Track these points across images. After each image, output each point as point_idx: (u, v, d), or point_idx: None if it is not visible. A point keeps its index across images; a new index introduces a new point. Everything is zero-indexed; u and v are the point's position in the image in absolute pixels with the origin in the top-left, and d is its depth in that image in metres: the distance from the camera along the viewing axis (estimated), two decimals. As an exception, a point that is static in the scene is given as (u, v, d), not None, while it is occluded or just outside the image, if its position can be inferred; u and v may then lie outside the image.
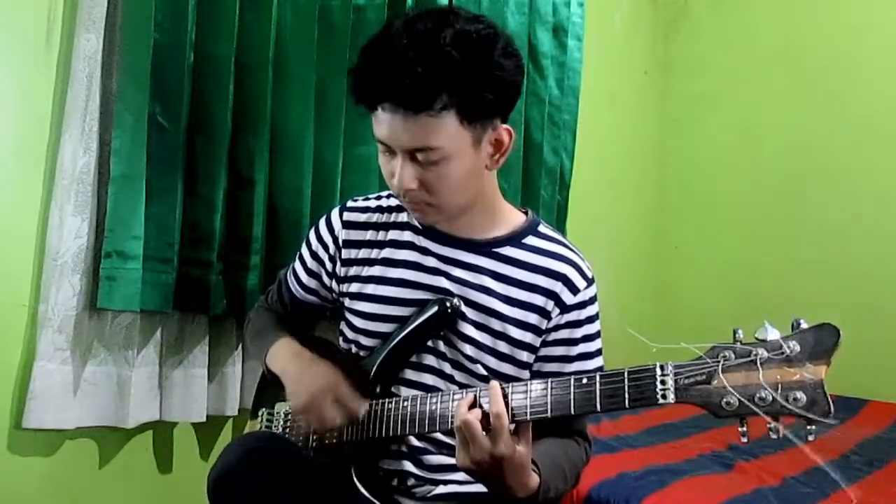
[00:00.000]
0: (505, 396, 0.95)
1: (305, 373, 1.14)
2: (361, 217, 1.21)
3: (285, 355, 1.19)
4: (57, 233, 1.43)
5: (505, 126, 1.06)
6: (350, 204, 1.24)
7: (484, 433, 0.93)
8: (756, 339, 0.83)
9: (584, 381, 0.92)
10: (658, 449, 1.88)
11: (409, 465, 1.13)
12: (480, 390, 0.99)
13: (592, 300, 1.15)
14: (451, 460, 1.13)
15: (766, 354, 0.81)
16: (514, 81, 1.02)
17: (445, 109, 0.96)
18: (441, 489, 1.13)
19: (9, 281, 1.43)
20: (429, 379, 1.13)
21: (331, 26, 1.76)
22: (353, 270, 1.20)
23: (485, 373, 1.11)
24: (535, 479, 0.98)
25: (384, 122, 1.00)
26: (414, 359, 1.14)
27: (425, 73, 0.94)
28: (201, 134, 1.58)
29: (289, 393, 1.14)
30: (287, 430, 1.23)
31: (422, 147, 0.99)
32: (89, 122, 1.45)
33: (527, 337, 1.12)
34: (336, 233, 1.21)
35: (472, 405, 0.97)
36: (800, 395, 0.79)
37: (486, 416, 0.94)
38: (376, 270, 1.18)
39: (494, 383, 0.97)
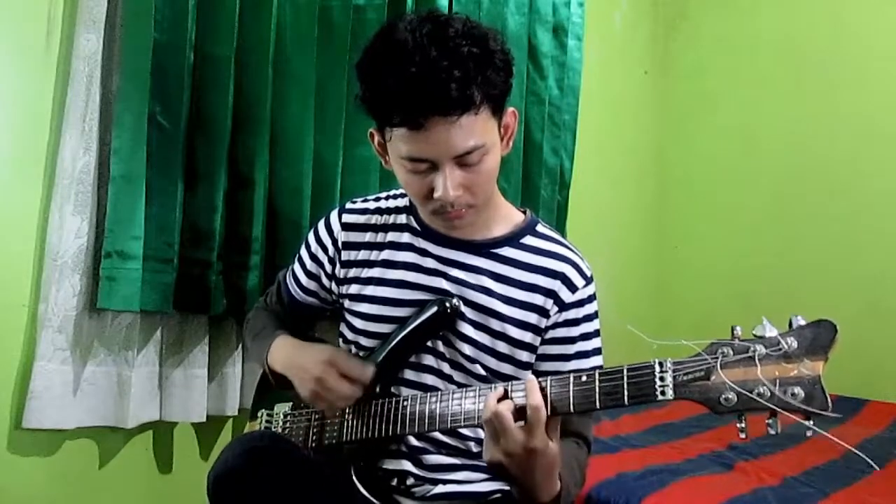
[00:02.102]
0: (542, 389, 0.93)
1: (305, 359, 1.14)
2: (361, 219, 1.21)
3: (284, 351, 1.20)
4: (57, 233, 1.43)
5: (511, 109, 1.08)
6: (349, 206, 1.24)
7: (517, 425, 0.91)
8: (754, 335, 0.83)
9: (584, 378, 0.92)
10: (658, 449, 1.88)
11: (408, 465, 1.13)
12: (513, 384, 0.97)
13: (591, 299, 1.15)
14: (451, 460, 1.13)
15: (763, 350, 0.81)
16: (513, 63, 1.04)
17: (482, 104, 0.98)
18: (440, 489, 1.13)
19: (9, 281, 1.43)
20: (428, 379, 1.13)
21: (331, 26, 1.76)
22: (352, 272, 1.20)
23: (484, 373, 1.11)
24: (557, 484, 0.97)
25: (427, 138, 0.97)
26: (413, 359, 1.14)
27: (462, 76, 0.94)
28: (201, 134, 1.58)
29: (296, 385, 1.15)
30: (286, 431, 1.23)
31: (471, 148, 0.99)
32: (89, 122, 1.46)
33: (526, 337, 1.12)
34: (335, 235, 1.21)
35: (503, 397, 0.94)
36: (797, 390, 0.79)
37: (517, 410, 0.92)
38: (376, 272, 1.18)
39: (531, 377, 0.95)
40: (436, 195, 1.01)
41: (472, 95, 0.96)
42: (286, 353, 1.19)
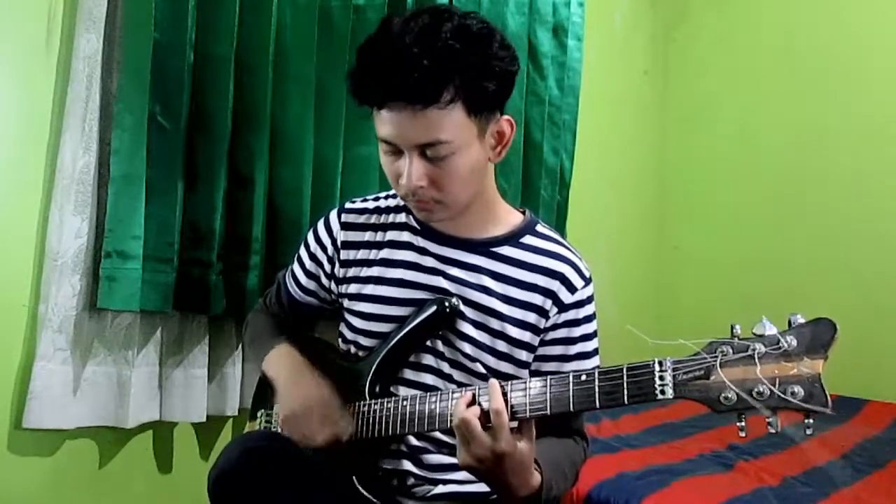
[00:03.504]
0: (504, 394, 0.95)
1: (296, 384, 1.14)
2: (360, 218, 1.21)
3: (280, 362, 1.20)
4: (57, 233, 1.43)
5: (506, 117, 1.08)
6: (348, 205, 1.24)
7: (484, 430, 0.93)
8: (754, 334, 0.83)
9: (583, 378, 0.93)
10: (658, 449, 1.88)
11: (408, 465, 1.13)
12: (480, 388, 0.99)
13: (590, 299, 1.15)
14: (451, 460, 1.13)
15: (763, 349, 0.81)
16: (512, 72, 1.04)
17: (453, 102, 0.97)
18: (441, 489, 1.13)
19: (9, 281, 1.43)
20: (428, 378, 1.13)
21: (331, 26, 1.76)
22: (351, 271, 1.20)
23: (484, 372, 1.11)
24: (537, 478, 0.98)
25: (391, 121, 0.99)
26: (413, 358, 1.14)
27: (432, 67, 0.94)
28: (201, 134, 1.58)
29: (278, 402, 1.15)
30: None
31: (432, 141, 0.99)
32: (89, 122, 1.46)
33: (525, 336, 1.12)
34: (334, 234, 1.21)
35: (471, 403, 0.97)
36: (797, 388, 0.79)
37: (485, 414, 0.94)
38: (375, 271, 1.18)
39: (493, 381, 0.97)
40: (401, 181, 1.03)
41: (438, 90, 0.96)
42: (282, 367, 1.19)
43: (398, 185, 1.05)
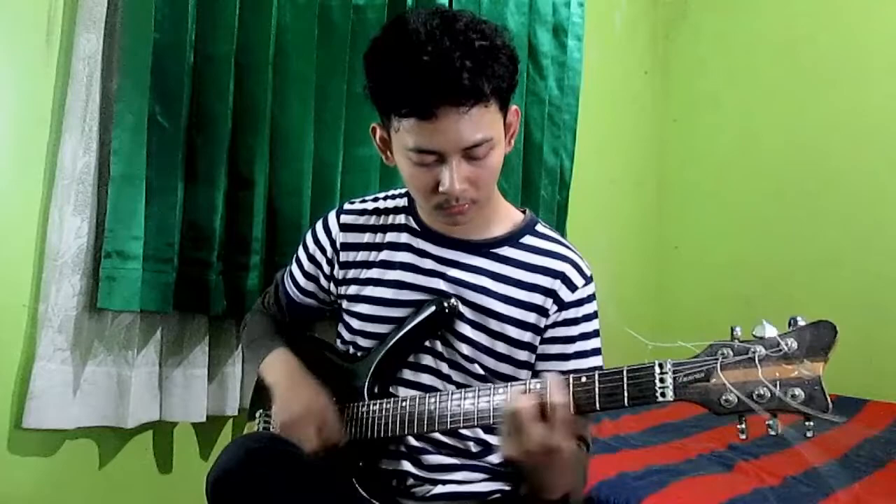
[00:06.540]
0: (567, 387, 0.92)
1: (294, 391, 1.14)
2: (359, 220, 1.21)
3: (277, 368, 1.19)
4: (57, 233, 1.43)
5: (514, 107, 1.08)
6: (347, 206, 1.24)
7: (538, 423, 0.90)
8: (754, 336, 0.83)
9: (583, 379, 0.92)
10: (658, 449, 1.88)
11: (407, 465, 1.13)
12: (531, 382, 0.96)
13: (590, 298, 1.15)
14: (451, 460, 1.13)
15: (763, 352, 0.81)
16: (518, 60, 1.04)
17: (492, 97, 0.98)
18: (440, 489, 1.13)
19: (9, 281, 1.43)
20: (426, 379, 1.13)
21: (331, 26, 1.76)
22: (351, 273, 1.20)
23: (482, 373, 1.11)
24: (568, 482, 0.98)
25: (438, 129, 0.96)
26: (412, 359, 1.14)
27: (474, 67, 0.94)
28: (201, 134, 1.58)
29: (275, 408, 1.15)
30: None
31: (479, 141, 0.99)
32: (89, 122, 1.46)
33: (526, 336, 1.12)
34: (333, 235, 1.21)
35: (524, 394, 0.94)
36: (798, 391, 0.79)
37: (540, 406, 0.91)
38: (374, 272, 1.18)
39: (555, 375, 0.94)
40: (441, 188, 1.01)
41: (482, 87, 0.96)
42: (280, 373, 1.18)
43: (434, 194, 1.03)
